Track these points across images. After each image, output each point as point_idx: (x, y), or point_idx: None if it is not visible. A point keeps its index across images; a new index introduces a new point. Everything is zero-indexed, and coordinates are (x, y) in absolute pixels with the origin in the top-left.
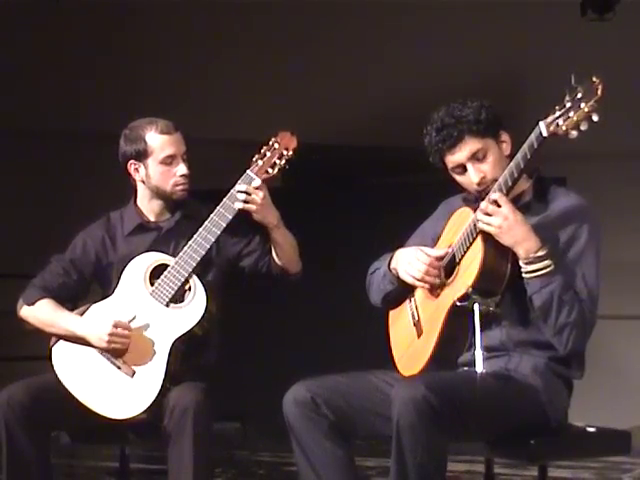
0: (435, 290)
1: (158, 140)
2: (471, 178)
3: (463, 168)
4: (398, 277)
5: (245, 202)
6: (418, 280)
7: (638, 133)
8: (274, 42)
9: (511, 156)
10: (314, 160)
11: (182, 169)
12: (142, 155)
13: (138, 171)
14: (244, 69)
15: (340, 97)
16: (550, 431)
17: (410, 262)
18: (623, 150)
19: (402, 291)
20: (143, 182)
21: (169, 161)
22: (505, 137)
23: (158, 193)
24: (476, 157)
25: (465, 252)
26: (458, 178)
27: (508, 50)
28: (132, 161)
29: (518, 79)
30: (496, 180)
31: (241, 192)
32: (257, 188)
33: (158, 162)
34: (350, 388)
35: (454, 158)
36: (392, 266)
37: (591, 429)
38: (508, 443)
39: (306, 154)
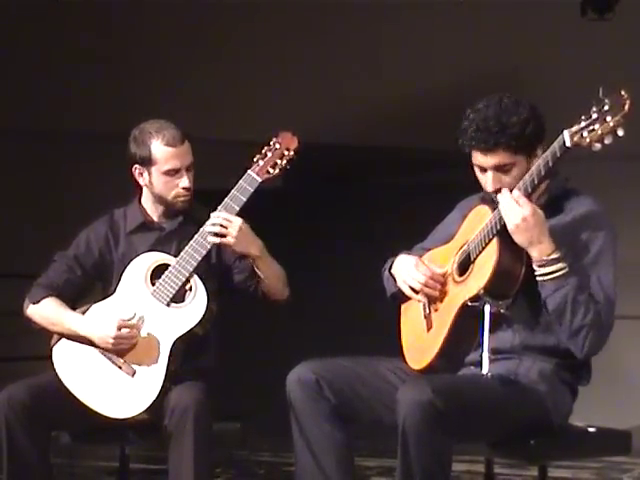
0: (435, 304)
1: (163, 152)
2: (487, 184)
3: (484, 170)
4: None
5: (220, 236)
6: (416, 292)
7: (638, 133)
8: (275, 42)
9: None
10: (315, 160)
11: (185, 182)
12: (146, 162)
13: (142, 176)
14: (244, 69)
15: (340, 97)
16: (550, 431)
17: (410, 273)
18: (624, 151)
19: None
20: (147, 186)
21: (172, 173)
22: (539, 152)
23: (160, 200)
24: (501, 169)
25: (480, 251)
26: (477, 173)
27: (508, 50)
28: (137, 165)
29: (518, 79)
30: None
31: (215, 225)
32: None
33: (161, 173)
34: (355, 373)
35: (480, 160)
36: (392, 271)
37: (591, 429)
38: (508, 443)
39: (307, 154)
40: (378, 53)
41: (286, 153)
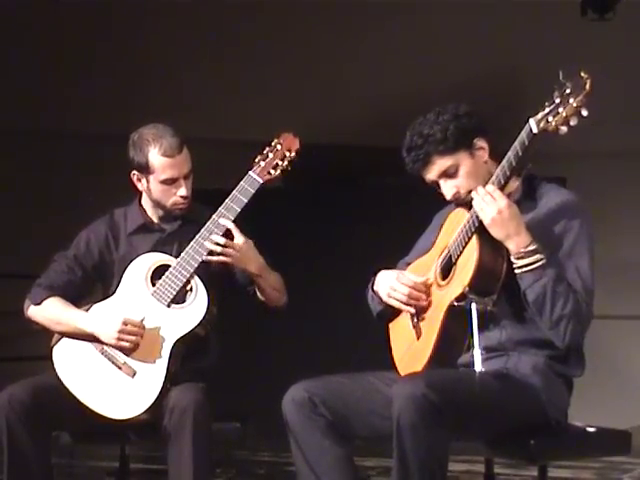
0: (422, 312)
1: (160, 162)
2: (445, 194)
3: (437, 183)
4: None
5: (218, 254)
6: (404, 304)
7: (637, 133)
8: (275, 42)
9: (498, 158)
10: (315, 160)
11: (182, 191)
12: (144, 170)
13: (140, 182)
14: (245, 69)
15: (340, 97)
16: (550, 431)
17: (392, 286)
18: (622, 150)
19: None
20: (145, 192)
21: (170, 182)
22: (482, 144)
23: (159, 205)
24: (447, 174)
25: (461, 252)
26: (439, 189)
27: (508, 50)
28: (135, 172)
29: (518, 79)
30: (471, 192)
31: (218, 229)
32: (230, 239)
33: (159, 182)
34: (349, 389)
35: (427, 177)
36: (375, 289)
37: (591, 429)
38: (508, 443)
39: (307, 154)
40: (378, 53)
41: (287, 154)
